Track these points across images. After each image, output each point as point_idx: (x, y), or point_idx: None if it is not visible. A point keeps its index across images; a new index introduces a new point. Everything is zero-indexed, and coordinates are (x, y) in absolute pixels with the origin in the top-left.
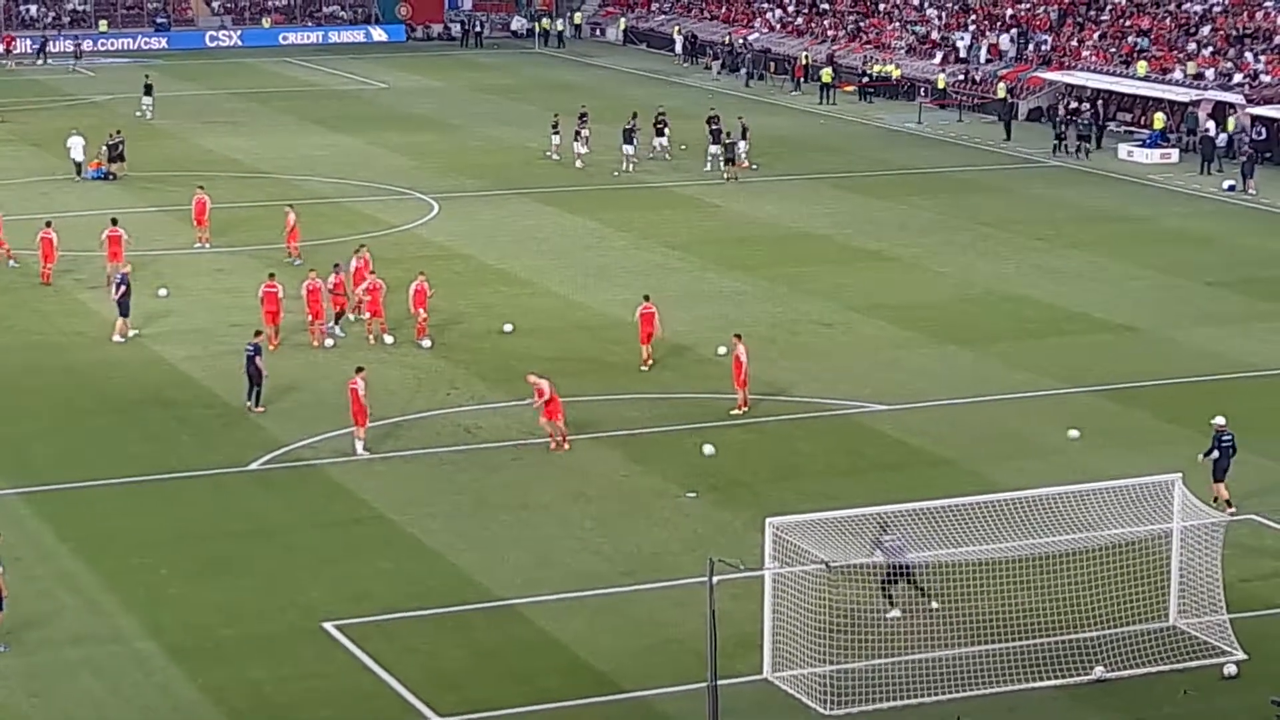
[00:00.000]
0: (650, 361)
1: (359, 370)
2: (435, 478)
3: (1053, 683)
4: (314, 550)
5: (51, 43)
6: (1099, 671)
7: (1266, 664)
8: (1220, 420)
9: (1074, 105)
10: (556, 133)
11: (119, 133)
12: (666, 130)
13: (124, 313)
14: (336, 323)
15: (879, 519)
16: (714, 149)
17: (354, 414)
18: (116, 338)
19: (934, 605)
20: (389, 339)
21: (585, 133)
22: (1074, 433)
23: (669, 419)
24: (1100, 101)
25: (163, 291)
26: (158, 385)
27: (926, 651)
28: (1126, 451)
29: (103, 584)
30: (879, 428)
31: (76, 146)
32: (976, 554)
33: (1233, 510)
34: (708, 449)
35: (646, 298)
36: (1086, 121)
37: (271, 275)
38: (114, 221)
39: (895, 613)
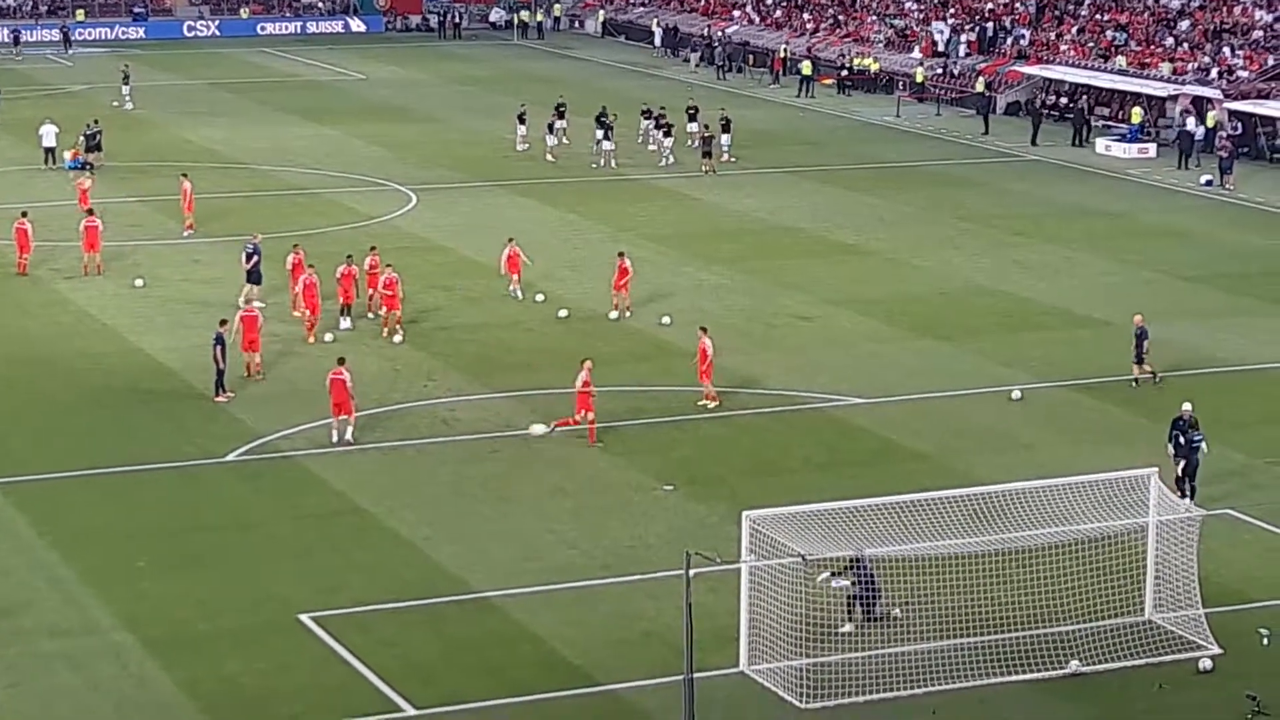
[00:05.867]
0: (629, 308)
1: (341, 361)
2: (413, 470)
3: (1028, 677)
4: (290, 542)
5: (27, 32)
6: (1074, 666)
7: (1241, 658)
8: (1187, 406)
9: (1057, 100)
10: (523, 123)
11: (96, 123)
12: (673, 130)
13: (255, 280)
14: (341, 315)
15: (855, 552)
16: (660, 139)
17: (340, 404)
18: (242, 302)
19: (895, 613)
20: (398, 338)
21: (561, 124)
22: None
23: (647, 412)
24: (1083, 96)
25: (139, 281)
26: (135, 376)
27: (902, 645)
28: (1103, 446)
29: (79, 576)
30: (856, 421)
31: (49, 134)
32: (952, 548)
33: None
34: (536, 429)
35: (621, 254)
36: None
37: (249, 300)
38: (90, 211)
39: (848, 628)
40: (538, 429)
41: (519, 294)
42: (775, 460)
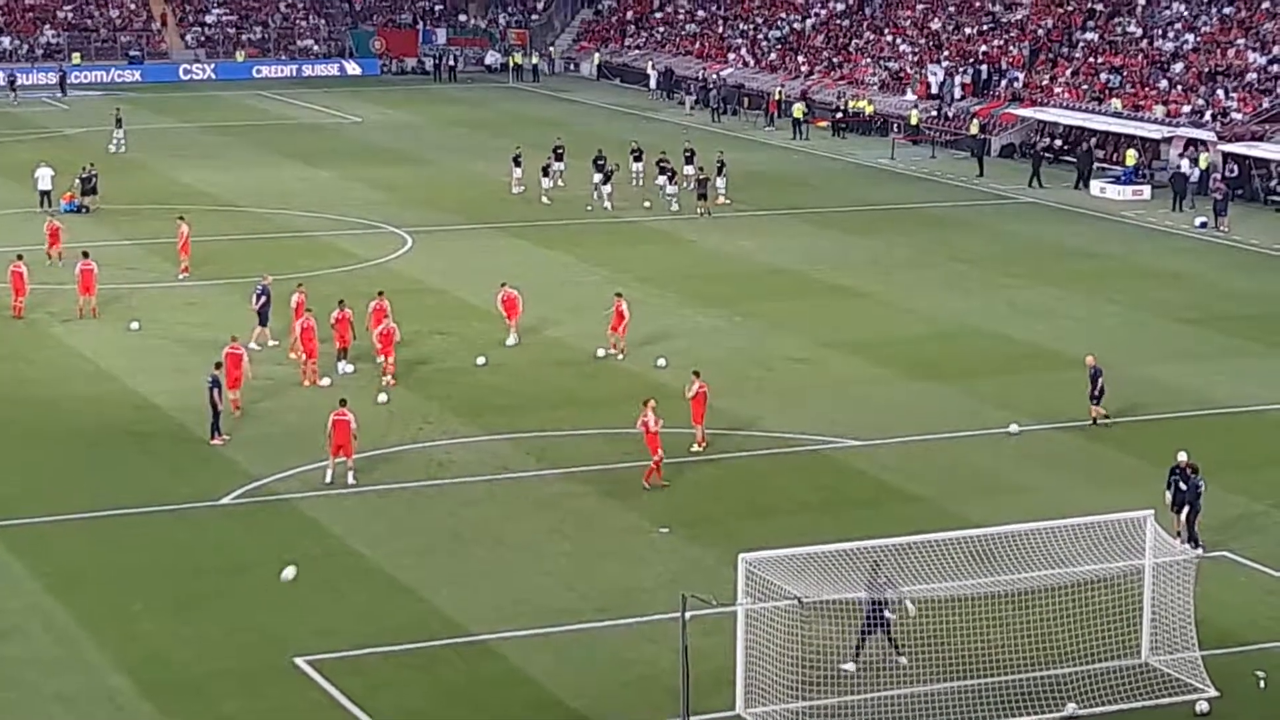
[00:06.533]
0: (624, 350)
1: (343, 403)
2: (408, 512)
3: (1026, 719)
4: (286, 585)
5: (23, 75)
6: (1071, 708)
7: (1238, 701)
8: (1183, 456)
9: (1051, 142)
10: (519, 166)
11: (92, 165)
12: (676, 174)
13: (263, 322)
14: (338, 359)
15: (871, 559)
16: (664, 182)
17: (342, 445)
18: (254, 345)
19: (902, 660)
20: (383, 397)
21: (558, 167)
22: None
23: (643, 454)
24: (1086, 140)
25: (135, 324)
26: (130, 419)
27: (899, 688)
28: (1099, 488)
29: (75, 619)
30: (852, 463)
31: (44, 177)
32: (949, 590)
33: (1195, 551)
34: (287, 573)
35: (618, 295)
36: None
37: (233, 338)
38: (85, 254)
39: (850, 666)
40: (288, 573)
41: (515, 340)
42: (771, 503)
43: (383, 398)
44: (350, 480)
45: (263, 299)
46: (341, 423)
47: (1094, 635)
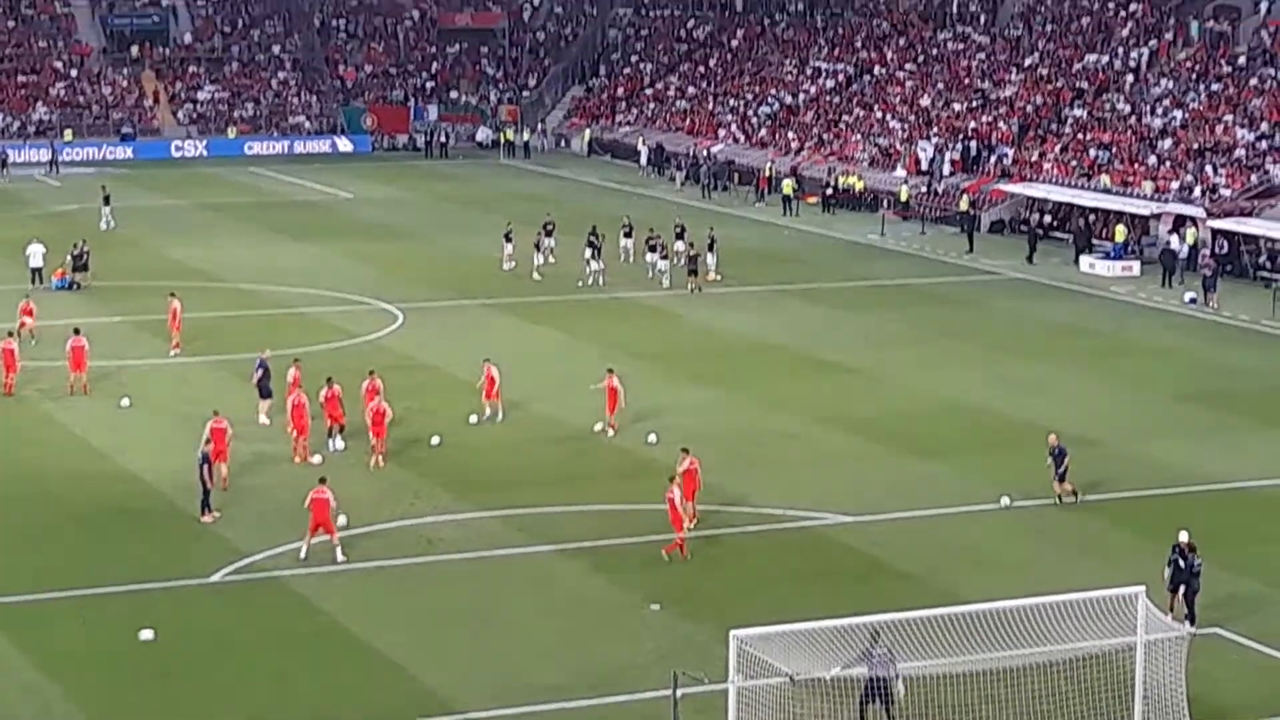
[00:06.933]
0: (614, 426)
1: (323, 481)
2: (398, 589)
3: None
4: (275, 664)
5: (15, 152)
6: None
7: None
8: (1184, 536)
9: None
10: (510, 242)
11: (84, 242)
12: (666, 250)
13: (265, 395)
14: (330, 437)
15: (870, 629)
16: (656, 259)
17: (322, 523)
18: (263, 419)
19: None
20: (371, 464)
21: (549, 243)
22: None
23: (634, 530)
24: (1083, 215)
25: (125, 401)
26: (121, 496)
27: None
28: (1090, 564)
29: (64, 695)
30: (843, 540)
31: (36, 254)
32: (940, 667)
33: (1191, 629)
34: (145, 634)
35: (610, 371)
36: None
37: (216, 412)
38: (77, 331)
39: None
40: (146, 635)
41: (499, 416)
42: (762, 578)
43: (315, 459)
44: (339, 557)
45: (260, 373)
46: (320, 500)
47: (1086, 712)
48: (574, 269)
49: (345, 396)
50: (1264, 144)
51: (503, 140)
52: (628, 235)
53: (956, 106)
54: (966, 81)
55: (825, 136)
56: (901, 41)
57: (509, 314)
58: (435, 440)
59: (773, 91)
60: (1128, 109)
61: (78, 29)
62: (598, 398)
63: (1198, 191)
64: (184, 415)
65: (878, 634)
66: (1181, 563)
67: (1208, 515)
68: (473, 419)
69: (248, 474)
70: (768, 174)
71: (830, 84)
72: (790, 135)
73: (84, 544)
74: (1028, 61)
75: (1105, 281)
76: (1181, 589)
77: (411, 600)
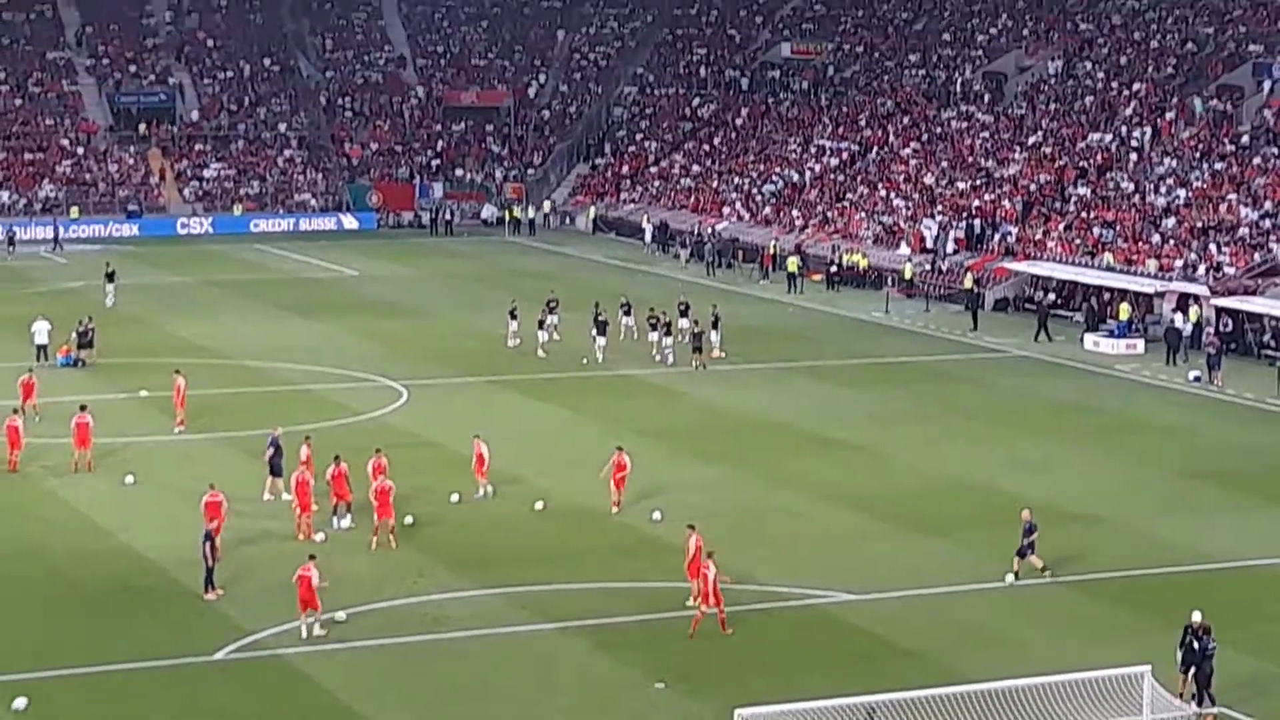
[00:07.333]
0: (619, 503)
1: (312, 557)
2: (401, 667)
3: None
4: None
5: (21, 229)
6: None
7: None
8: (1197, 616)
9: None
10: (515, 319)
11: (89, 319)
12: (670, 327)
13: (276, 473)
14: (335, 514)
15: (866, 709)
16: (654, 335)
17: (307, 600)
18: (267, 496)
19: None
20: (374, 545)
21: (553, 320)
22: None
23: (638, 608)
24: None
25: (130, 478)
26: (124, 573)
27: None
28: (1095, 643)
29: None
30: (847, 618)
31: (41, 331)
32: None
33: (1201, 710)
34: (18, 703)
35: (619, 449)
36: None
37: (211, 486)
38: (82, 408)
39: None
40: (19, 703)
41: (488, 493)
42: (767, 657)
43: (318, 536)
44: (318, 632)
45: (272, 450)
46: (304, 578)
47: None
48: (579, 346)
49: (351, 474)
50: (1267, 222)
51: (508, 217)
52: (627, 313)
53: (960, 185)
54: (970, 160)
55: (829, 214)
56: (905, 120)
57: (513, 390)
58: (409, 520)
59: (777, 169)
60: (1131, 187)
61: (84, 107)
62: (601, 475)
63: (1202, 270)
64: (188, 492)
65: (873, 711)
66: (1195, 645)
67: (1214, 594)
68: (454, 497)
69: (251, 550)
70: (772, 251)
71: (834, 162)
72: (794, 213)
73: (87, 621)
74: (1031, 140)
75: (1110, 359)
76: (1191, 671)
77: (414, 678)
